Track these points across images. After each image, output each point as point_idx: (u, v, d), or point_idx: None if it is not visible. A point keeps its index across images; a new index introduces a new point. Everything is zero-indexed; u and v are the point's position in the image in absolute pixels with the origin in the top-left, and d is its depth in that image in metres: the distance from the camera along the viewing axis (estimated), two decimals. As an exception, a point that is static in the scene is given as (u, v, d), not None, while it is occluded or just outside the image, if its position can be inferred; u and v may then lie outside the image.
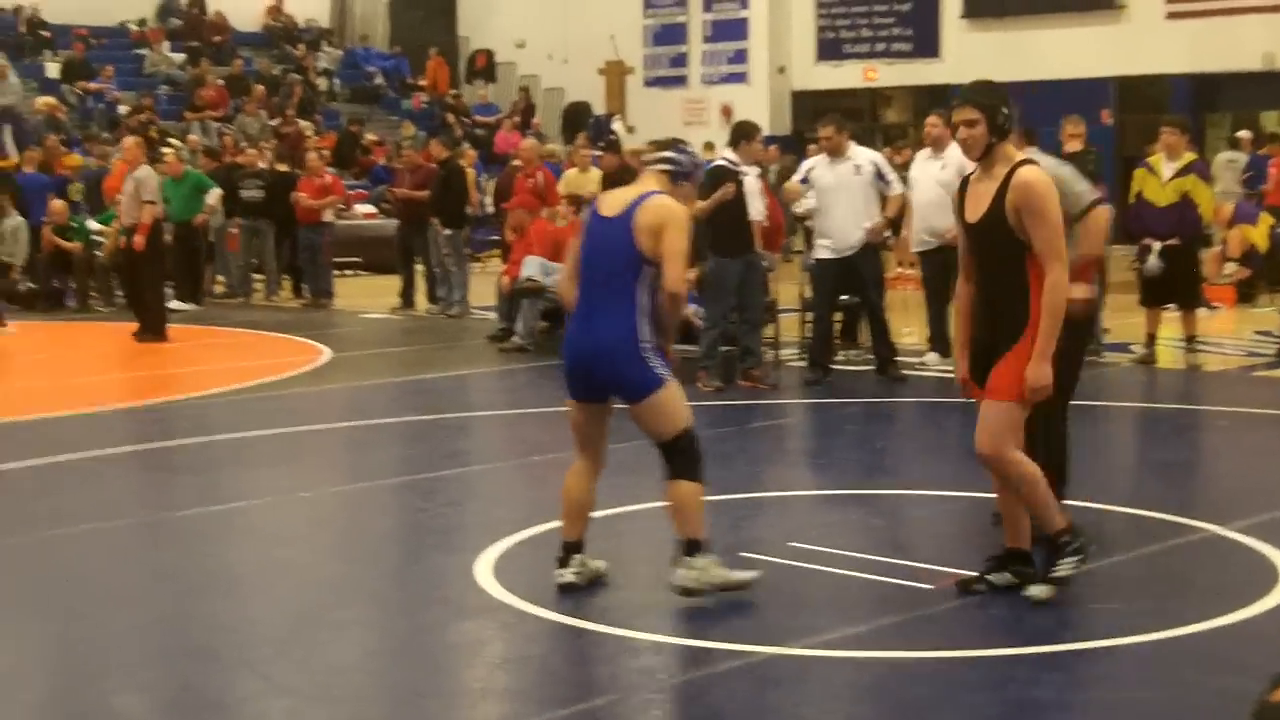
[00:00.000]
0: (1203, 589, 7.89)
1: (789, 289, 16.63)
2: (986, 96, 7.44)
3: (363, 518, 10.01)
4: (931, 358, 14.98)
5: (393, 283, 22.49)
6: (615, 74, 37.58)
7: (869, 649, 6.87)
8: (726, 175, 14.04)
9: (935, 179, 14.30)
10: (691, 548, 7.46)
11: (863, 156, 14.48)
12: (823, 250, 14.54)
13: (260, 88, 33.78)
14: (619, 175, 19.30)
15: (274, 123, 32.29)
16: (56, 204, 23.14)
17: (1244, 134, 26.97)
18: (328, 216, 23.20)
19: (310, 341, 18.48)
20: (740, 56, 35.69)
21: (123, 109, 31.98)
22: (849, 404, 13.81)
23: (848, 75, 34.39)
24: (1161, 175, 14.95)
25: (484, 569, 8.21)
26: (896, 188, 14.46)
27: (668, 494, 7.51)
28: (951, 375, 8.54)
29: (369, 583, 8.40)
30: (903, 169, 15.87)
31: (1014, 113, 8.63)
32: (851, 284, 14.61)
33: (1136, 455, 11.94)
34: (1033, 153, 8.85)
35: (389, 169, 29.23)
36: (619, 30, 36.93)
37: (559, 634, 7.24)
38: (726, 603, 7.43)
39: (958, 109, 7.44)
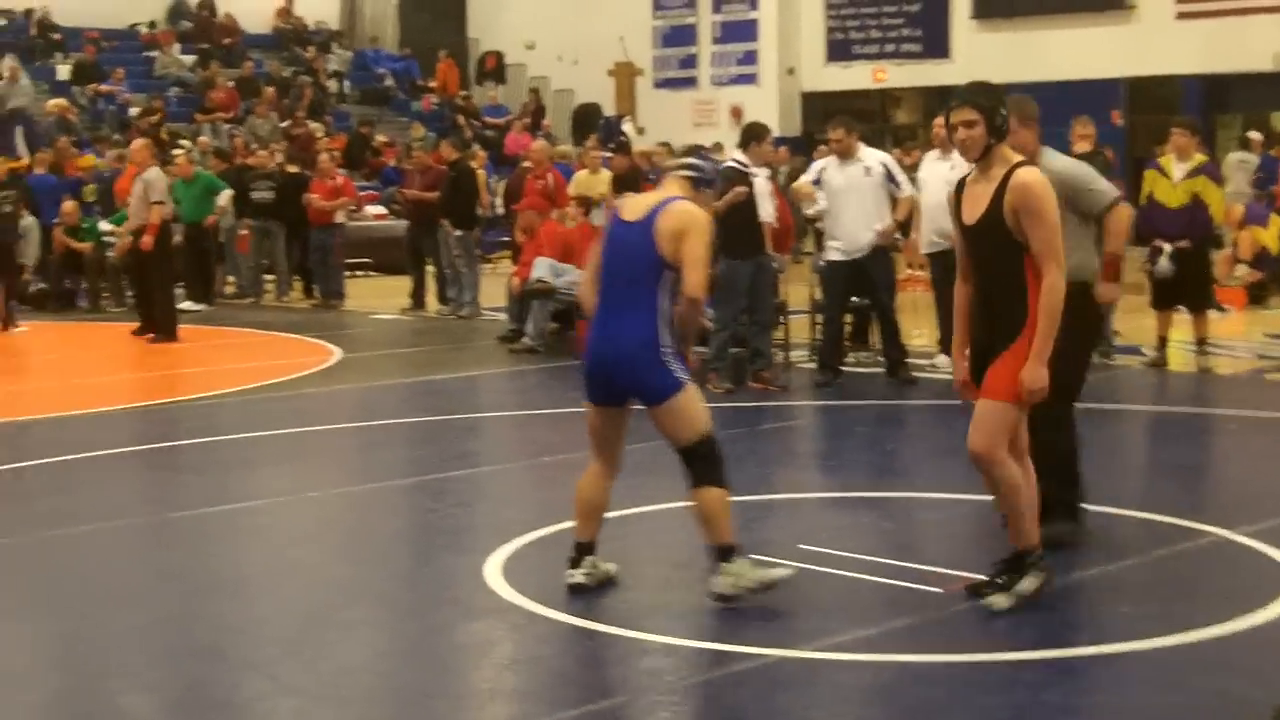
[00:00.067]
0: (1212, 594, 7.88)
1: (799, 291, 16.62)
2: (985, 98, 7.42)
3: (372, 518, 10.01)
4: (942, 360, 14.95)
5: (403, 284, 22.50)
6: (625, 75, 37.59)
7: (879, 652, 6.86)
8: (737, 177, 14.03)
9: (944, 180, 14.26)
10: (724, 553, 7.45)
11: (872, 158, 14.46)
12: (833, 252, 14.52)
13: (270, 90, 33.82)
14: (628, 177, 19.33)
15: (284, 124, 32.31)
16: (68, 205, 23.19)
17: (1255, 135, 26.92)
18: (339, 218, 23.23)
19: (320, 342, 18.49)
20: (750, 58, 35.68)
21: (133, 111, 32.01)
22: (859, 406, 13.80)
23: (857, 76, 34.38)
24: (1172, 176, 14.93)
25: (493, 570, 8.20)
26: (906, 189, 14.44)
27: (693, 503, 7.50)
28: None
29: (378, 583, 8.40)
30: (911, 170, 15.84)
31: (1031, 111, 8.66)
32: (862, 286, 14.59)
33: (1146, 458, 11.92)
34: (1049, 152, 8.85)
35: (399, 170, 29.22)
36: (628, 32, 36.93)
37: (568, 635, 7.24)
38: (736, 605, 7.42)
39: (956, 110, 7.41)
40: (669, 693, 6.54)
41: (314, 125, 32.43)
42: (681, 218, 7.44)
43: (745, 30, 35.68)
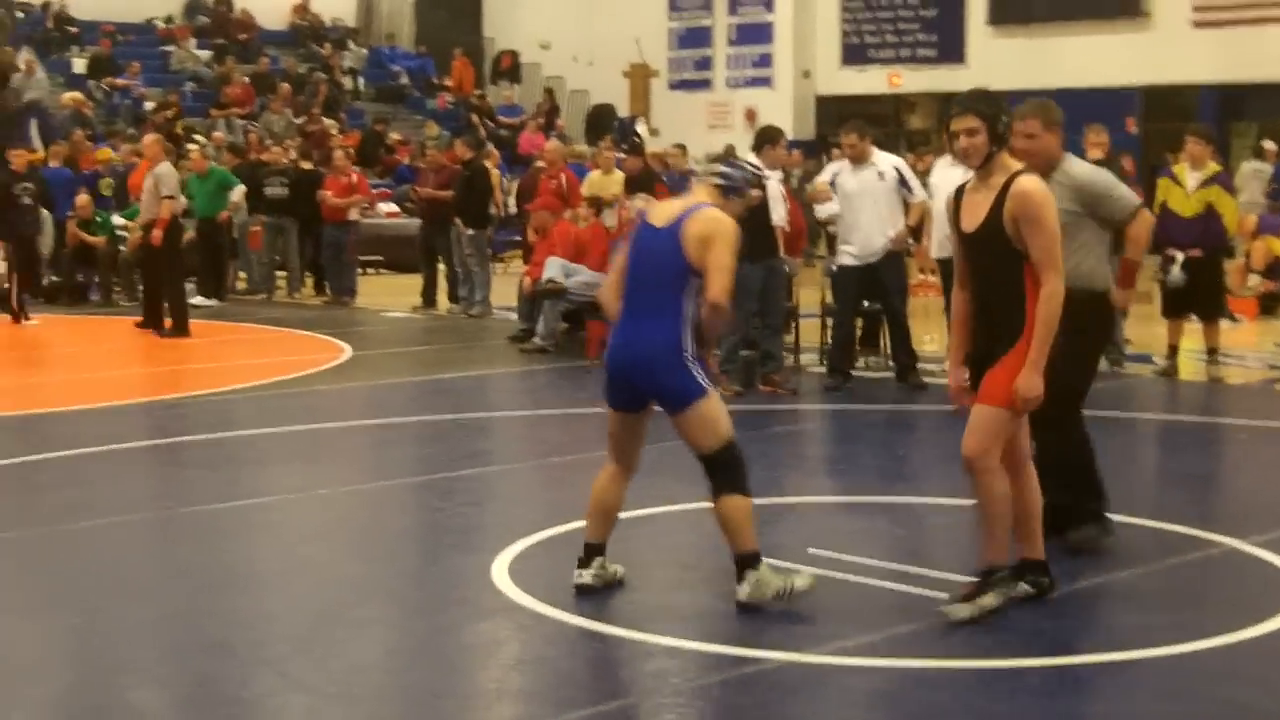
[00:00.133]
0: (1221, 603, 7.88)
1: (810, 294, 16.62)
2: (987, 105, 7.40)
3: (381, 516, 10.03)
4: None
5: (415, 282, 22.53)
6: (640, 76, 37.60)
7: (886, 657, 6.86)
8: (751, 180, 14.00)
9: (956, 186, 14.27)
10: (747, 561, 7.45)
11: (886, 162, 14.46)
12: (846, 257, 14.52)
13: (286, 86, 33.86)
14: (641, 178, 19.34)
15: (299, 121, 32.35)
16: (81, 199, 23.23)
17: (1269, 144, 26.89)
18: (353, 215, 23.26)
19: (331, 339, 18.51)
20: (765, 60, 35.69)
21: (148, 105, 32.06)
22: (869, 411, 13.79)
23: (872, 80, 34.39)
24: (1186, 185, 14.92)
25: (501, 570, 8.21)
26: (918, 195, 14.44)
27: (715, 511, 7.50)
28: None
29: (387, 582, 8.41)
30: (924, 175, 15.84)
31: (1057, 115, 8.66)
32: (874, 291, 14.59)
33: (1157, 467, 11.91)
34: (1071, 158, 8.85)
35: (413, 168, 29.26)
36: (644, 33, 36.94)
37: (575, 636, 7.25)
38: (744, 608, 7.42)
39: (958, 117, 7.38)
40: (675, 695, 6.54)
41: (329, 122, 32.49)
42: (709, 224, 7.45)
43: (761, 33, 35.69)
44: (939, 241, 14.64)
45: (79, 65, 33.95)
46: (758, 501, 7.65)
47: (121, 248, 22.76)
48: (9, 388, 15.76)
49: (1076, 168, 8.76)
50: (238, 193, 23.02)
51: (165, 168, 19.33)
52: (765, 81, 35.66)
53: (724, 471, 7.45)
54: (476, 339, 19.03)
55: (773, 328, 14.45)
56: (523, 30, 39.71)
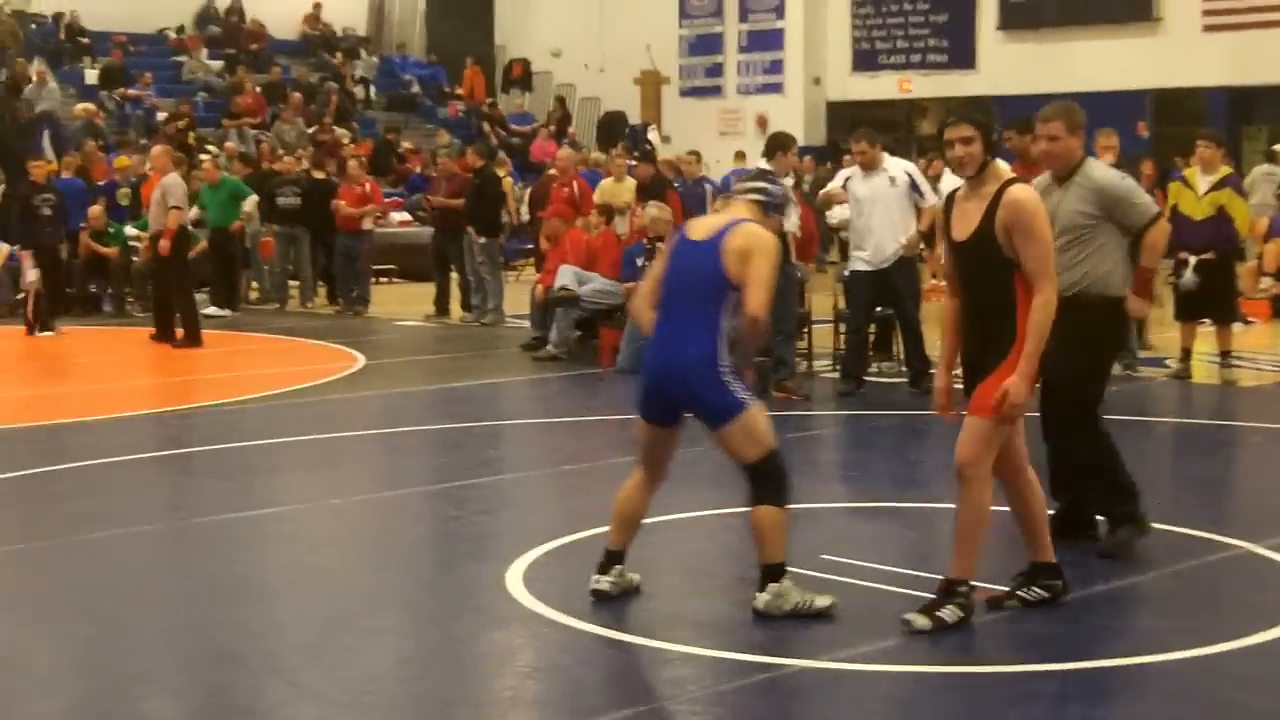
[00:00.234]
0: (1235, 607, 7.87)
1: (823, 300, 16.62)
2: (982, 114, 7.41)
3: (394, 525, 10.03)
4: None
5: (427, 290, 22.54)
6: (651, 84, 37.62)
7: (900, 663, 6.86)
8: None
9: (947, 194, 14.27)
10: (772, 572, 7.45)
11: (897, 168, 14.46)
12: (858, 262, 14.52)
13: (297, 95, 33.91)
14: (653, 185, 19.35)
15: (311, 130, 32.39)
16: (94, 209, 23.25)
17: (1280, 148, 26.87)
18: (367, 224, 23.28)
19: (344, 348, 18.53)
20: (776, 67, 35.71)
21: (160, 115, 32.12)
22: (882, 416, 13.79)
23: (883, 86, 34.39)
24: (1197, 189, 14.91)
25: (515, 578, 8.21)
26: (930, 199, 14.43)
27: (750, 518, 7.51)
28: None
29: (400, 590, 8.41)
30: (935, 180, 15.84)
31: (1080, 119, 8.67)
32: (886, 296, 14.59)
33: (1170, 471, 11.89)
34: (1093, 162, 8.85)
35: (425, 177, 29.29)
36: (655, 40, 36.96)
37: (589, 644, 7.25)
38: (759, 616, 7.42)
39: (953, 126, 7.36)
40: (690, 702, 6.54)
41: (340, 131, 32.52)
42: (749, 238, 7.47)
43: (772, 39, 35.71)
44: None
45: (91, 76, 34.04)
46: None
47: (134, 258, 22.79)
48: (23, 399, 15.79)
49: (1098, 171, 8.76)
50: (250, 202, 23.04)
51: (172, 178, 19.36)
52: (776, 88, 35.68)
53: (765, 481, 7.46)
54: (489, 347, 19.04)
55: (785, 334, 14.44)
56: (534, 38, 39.75)
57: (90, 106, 30.97)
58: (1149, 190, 12.51)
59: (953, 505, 9.74)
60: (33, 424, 13.80)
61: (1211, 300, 15.02)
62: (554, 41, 39.03)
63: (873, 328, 15.62)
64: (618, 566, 7.77)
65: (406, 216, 29.31)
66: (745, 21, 36.16)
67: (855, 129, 15.44)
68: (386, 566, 8.97)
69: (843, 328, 15.33)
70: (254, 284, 24.85)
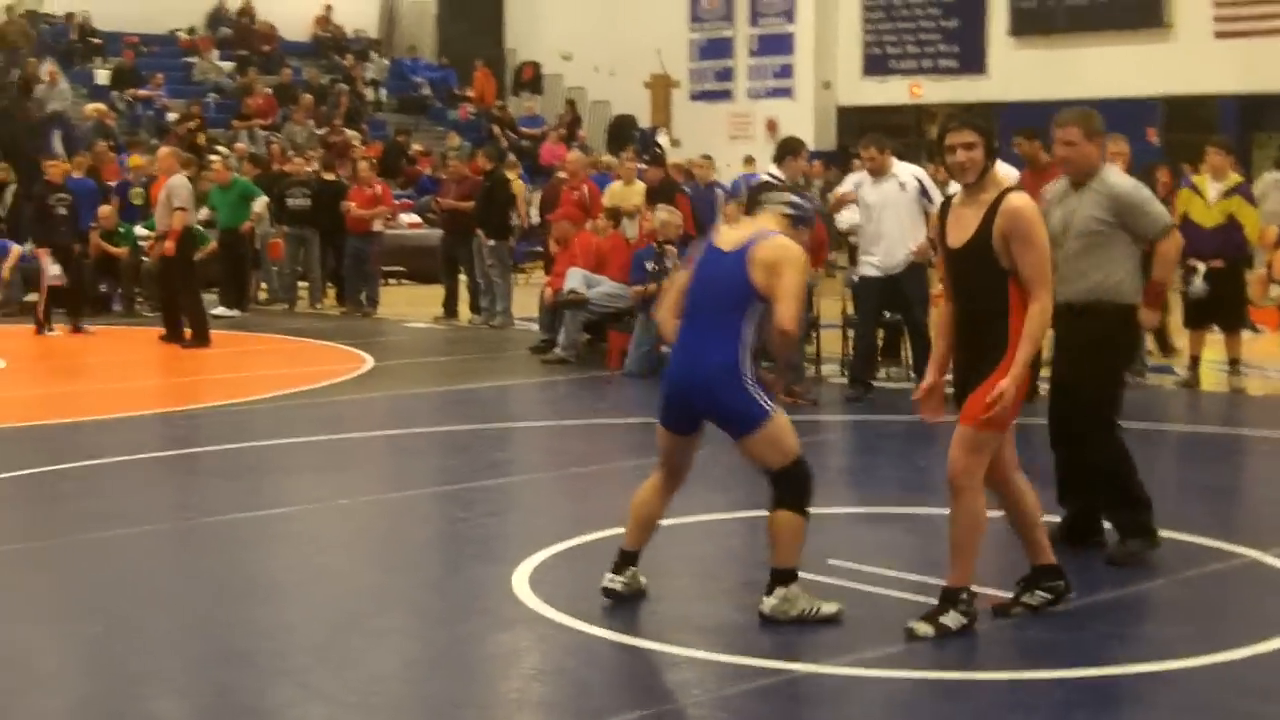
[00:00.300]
0: (1242, 615, 7.87)
1: (831, 305, 16.62)
2: (984, 120, 7.41)
3: (402, 526, 10.04)
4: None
5: (436, 292, 22.56)
6: (661, 87, 37.61)
7: (906, 668, 6.86)
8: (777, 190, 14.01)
9: (942, 201, 14.26)
10: (782, 576, 7.46)
11: (906, 173, 14.46)
12: (868, 268, 14.52)
13: (308, 97, 33.94)
14: (662, 188, 19.35)
15: (321, 132, 32.42)
16: (104, 209, 23.27)
17: (1291, 155, 26.81)
18: (377, 226, 23.29)
19: (353, 350, 18.54)
20: (786, 71, 35.69)
21: (171, 116, 32.16)
22: (890, 421, 13.78)
23: (893, 91, 34.36)
24: (1207, 196, 14.91)
25: (522, 580, 8.22)
26: (939, 205, 14.42)
27: (769, 520, 7.52)
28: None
29: (407, 592, 8.43)
30: (945, 185, 15.83)
31: (1098, 125, 8.67)
32: (895, 301, 14.58)
33: (1178, 479, 11.88)
34: (1110, 169, 8.84)
35: (434, 179, 29.31)
36: (665, 44, 36.96)
37: (596, 647, 7.25)
38: (765, 621, 7.42)
39: (955, 131, 7.35)
40: (695, 706, 6.55)
41: (351, 133, 32.54)
42: (778, 251, 7.48)
43: (782, 44, 35.70)
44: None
45: (102, 76, 34.08)
46: (777, 511, 7.65)
47: (144, 258, 22.81)
48: (32, 398, 15.81)
49: (1114, 178, 8.76)
50: (260, 203, 23.07)
51: (178, 179, 19.39)
52: (786, 92, 35.66)
53: (788, 486, 7.47)
54: (498, 350, 19.05)
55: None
56: (544, 41, 39.77)
57: (101, 107, 31.01)
58: (1164, 199, 12.50)
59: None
60: (42, 423, 13.82)
61: (1220, 308, 15.01)
62: (564, 45, 39.04)
63: (881, 333, 15.63)
64: (632, 568, 7.78)
65: (416, 218, 29.34)
66: (755, 25, 36.15)
67: (865, 134, 15.44)
68: (394, 568, 8.99)
69: (851, 333, 15.33)
70: (263, 285, 24.87)
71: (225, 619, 7.79)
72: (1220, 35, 29.85)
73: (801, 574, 7.55)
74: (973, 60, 33.16)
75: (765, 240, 7.53)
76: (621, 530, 7.97)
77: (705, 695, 6.67)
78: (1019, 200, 7.26)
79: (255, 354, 19.04)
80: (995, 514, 7.56)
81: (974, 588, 7.36)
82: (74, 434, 13.30)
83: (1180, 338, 16.12)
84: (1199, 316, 15.15)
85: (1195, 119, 29.94)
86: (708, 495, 9.77)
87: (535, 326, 18.75)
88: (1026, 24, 32.35)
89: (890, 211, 14.21)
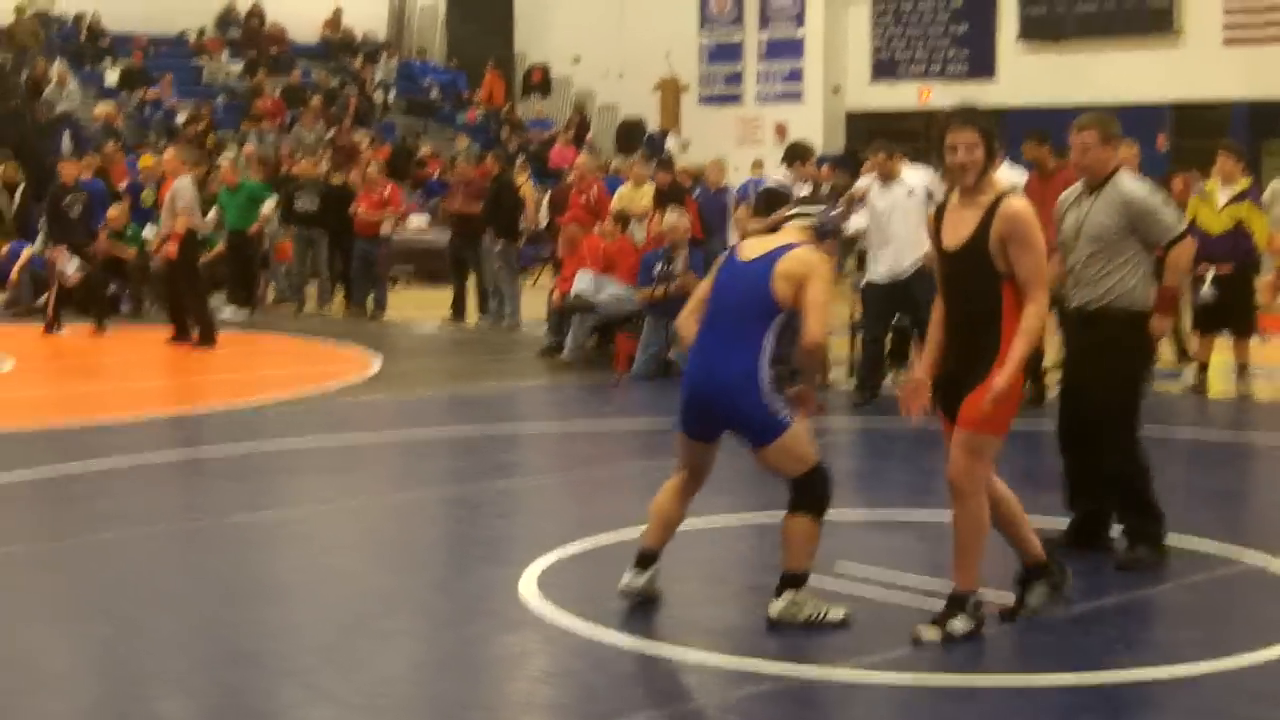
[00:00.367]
0: (1249, 620, 7.86)
1: (839, 310, 16.59)
2: (985, 121, 7.38)
3: (409, 528, 10.05)
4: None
5: (444, 295, 22.56)
6: (670, 91, 37.61)
7: (913, 672, 6.85)
8: (782, 197, 13.98)
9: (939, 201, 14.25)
10: (792, 580, 7.47)
11: (914, 178, 14.46)
12: (876, 273, 14.51)
13: (317, 99, 33.96)
14: (671, 192, 19.36)
15: (330, 134, 32.43)
16: (113, 210, 23.29)
17: (1301, 161, 26.82)
18: (385, 228, 23.30)
19: (361, 351, 18.54)
20: (795, 75, 35.69)
21: (180, 117, 32.19)
22: (897, 426, 13.75)
23: (902, 96, 34.35)
24: (1216, 202, 14.90)
25: (529, 583, 8.22)
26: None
27: (784, 523, 7.52)
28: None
29: (414, 594, 8.43)
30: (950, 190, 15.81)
31: (1115, 129, 8.67)
32: (904, 306, 14.57)
33: (1185, 484, 11.85)
34: (1125, 173, 8.83)
35: (443, 182, 29.32)
36: (674, 47, 36.96)
37: (603, 650, 7.25)
38: (772, 624, 7.42)
39: (958, 130, 7.30)
40: (702, 709, 6.56)
41: (359, 135, 32.55)
42: (804, 263, 7.51)
43: (791, 48, 35.70)
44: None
45: (111, 77, 34.12)
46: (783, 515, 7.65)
47: (153, 260, 22.83)
48: (40, 398, 15.82)
49: (1128, 183, 8.74)
50: (269, 205, 23.09)
51: (183, 181, 19.41)
52: (795, 96, 35.65)
53: (807, 490, 7.50)
54: (506, 352, 19.05)
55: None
56: (553, 44, 39.79)
57: (110, 108, 31.04)
58: (1178, 205, 12.49)
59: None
60: (50, 424, 13.83)
61: (1229, 313, 15.01)
62: (573, 48, 39.07)
63: (889, 338, 15.61)
64: (653, 566, 7.77)
65: (424, 221, 29.34)
66: (765, 30, 36.15)
67: (874, 139, 15.43)
68: (402, 570, 8.99)
69: (859, 337, 15.32)
70: (271, 286, 24.88)
71: (232, 620, 7.80)
72: (1230, 42, 29.84)
73: (812, 578, 7.55)
74: (982, 65, 33.15)
75: (790, 252, 7.56)
76: (630, 532, 7.98)
77: (712, 699, 6.68)
78: (1017, 203, 7.26)
79: (263, 355, 19.06)
80: (1039, 522, 7.56)
81: (980, 591, 7.36)
82: (82, 435, 13.30)
83: (1190, 343, 16.11)
84: (1208, 322, 15.14)
85: (1205, 125, 29.86)
86: (715, 499, 9.74)
87: (543, 329, 18.75)
88: (1036, 29, 32.35)
89: (898, 216, 14.21)
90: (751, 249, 7.74)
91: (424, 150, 33.90)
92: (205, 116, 31.72)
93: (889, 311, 14.68)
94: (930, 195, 14.30)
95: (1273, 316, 19.68)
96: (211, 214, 22.82)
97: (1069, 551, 8.66)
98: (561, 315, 17.73)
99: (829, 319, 7.58)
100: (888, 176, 14.33)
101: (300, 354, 19.01)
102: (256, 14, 38.27)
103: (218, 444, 12.93)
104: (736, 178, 26.74)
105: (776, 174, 14.80)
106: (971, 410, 7.18)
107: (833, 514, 7.66)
